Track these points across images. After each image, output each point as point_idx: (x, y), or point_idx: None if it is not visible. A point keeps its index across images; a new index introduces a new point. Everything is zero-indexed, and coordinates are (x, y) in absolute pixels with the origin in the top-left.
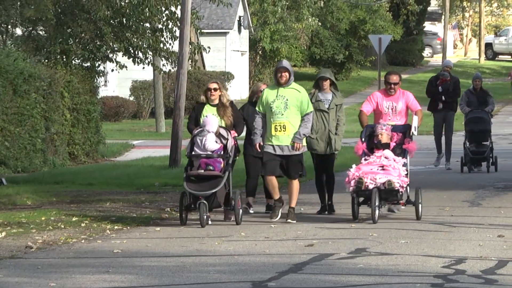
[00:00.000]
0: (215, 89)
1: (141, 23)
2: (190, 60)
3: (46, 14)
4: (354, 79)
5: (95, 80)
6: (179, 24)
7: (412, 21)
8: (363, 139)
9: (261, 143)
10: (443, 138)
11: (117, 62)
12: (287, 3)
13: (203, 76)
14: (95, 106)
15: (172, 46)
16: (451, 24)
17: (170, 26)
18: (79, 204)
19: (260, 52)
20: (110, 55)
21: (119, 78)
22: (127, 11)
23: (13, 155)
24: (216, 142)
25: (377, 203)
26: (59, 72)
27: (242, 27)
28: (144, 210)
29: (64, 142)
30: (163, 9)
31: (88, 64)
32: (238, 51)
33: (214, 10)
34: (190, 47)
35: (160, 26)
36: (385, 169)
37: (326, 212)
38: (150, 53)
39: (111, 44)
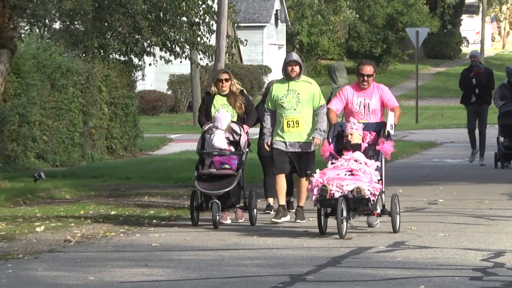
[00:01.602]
0: (226, 80)
1: (178, 17)
2: (227, 54)
3: (85, 6)
4: (391, 73)
5: (133, 74)
6: (216, 18)
7: (449, 14)
8: (330, 140)
9: (269, 143)
10: (477, 132)
11: (161, 57)
12: None
13: (240, 69)
14: (132, 100)
15: (209, 40)
16: (489, 16)
17: (207, 20)
18: (117, 198)
19: (297, 45)
20: (148, 49)
21: (157, 72)
22: (164, 5)
23: (52, 149)
24: (228, 138)
25: (344, 214)
26: (97, 66)
27: (279, 21)
28: (182, 203)
29: (102, 136)
30: (200, 2)
31: (126, 58)
32: (275, 44)
33: (251, 4)
34: (227, 40)
35: (197, 20)
36: (354, 174)
37: None
38: (187, 47)
39: (148, 38)
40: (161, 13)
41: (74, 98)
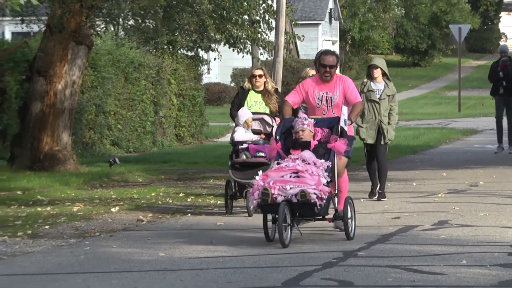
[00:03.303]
0: (260, 76)
1: (241, 16)
2: (285, 49)
3: (159, 2)
4: (436, 66)
5: (199, 68)
6: (275, 16)
7: (491, 11)
8: (277, 137)
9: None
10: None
11: (240, 49)
12: None
13: (297, 63)
14: (199, 92)
15: (268, 36)
16: None
17: (266, 18)
18: (185, 181)
19: (349, 41)
20: (213, 45)
21: (221, 66)
22: (228, 4)
23: (125, 137)
24: (261, 129)
25: (288, 221)
26: (166, 61)
27: (332, 19)
28: None
29: (172, 125)
30: (261, 2)
31: (193, 53)
32: (329, 40)
33: (307, 3)
34: (285, 37)
35: (257, 18)
36: (300, 176)
37: (375, 197)
38: (249, 43)
39: (213, 35)
40: (224, 12)
41: (145, 90)
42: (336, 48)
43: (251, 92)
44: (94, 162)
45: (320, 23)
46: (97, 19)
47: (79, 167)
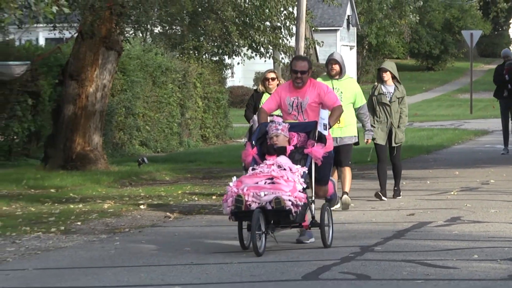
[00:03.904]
0: (272, 79)
1: (263, 22)
2: (305, 54)
3: (187, 8)
4: (449, 70)
5: (223, 72)
6: (295, 22)
7: (502, 18)
8: (253, 142)
9: None
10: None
11: (262, 54)
12: (392, 2)
13: (316, 67)
14: (223, 95)
15: (289, 42)
16: None
17: (287, 24)
18: (210, 179)
19: (366, 46)
20: (236, 50)
21: (244, 70)
22: (250, 11)
23: (153, 138)
24: None
25: (262, 229)
26: (192, 65)
27: (350, 25)
28: None
29: (197, 126)
30: (282, 9)
31: (217, 58)
32: (347, 45)
33: (326, 10)
34: (305, 42)
35: (279, 24)
36: (275, 182)
37: (384, 198)
38: (271, 48)
39: (236, 40)
40: (247, 19)
41: (172, 93)
42: (353, 53)
43: (265, 95)
44: (124, 162)
45: (338, 29)
46: (126, 25)
47: (109, 167)
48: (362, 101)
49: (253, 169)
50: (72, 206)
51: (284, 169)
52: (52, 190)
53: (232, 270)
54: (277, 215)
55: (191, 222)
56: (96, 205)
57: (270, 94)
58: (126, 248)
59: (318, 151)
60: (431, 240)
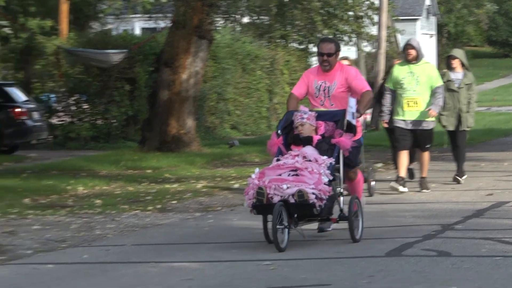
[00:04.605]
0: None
1: (346, 12)
2: (387, 42)
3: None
4: None
5: (309, 59)
6: (377, 12)
7: None
8: (279, 132)
9: (386, 120)
10: None
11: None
12: None
13: (398, 55)
14: None
15: (371, 31)
16: None
17: (369, 14)
18: None
19: (445, 35)
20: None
21: None
22: (334, 2)
23: (243, 122)
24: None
25: (285, 223)
26: (279, 53)
27: (430, 14)
28: None
29: (284, 111)
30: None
31: (303, 46)
32: (427, 34)
33: (406, 0)
34: (387, 31)
35: (361, 14)
36: (298, 174)
37: (462, 181)
38: (354, 36)
39: (321, 29)
40: (331, 9)
41: (261, 79)
42: (433, 41)
43: None
44: (216, 144)
45: (418, 19)
46: (216, 16)
47: (202, 149)
48: (438, 82)
49: (277, 160)
50: (167, 186)
51: (310, 160)
52: (149, 171)
53: (318, 247)
54: (300, 208)
55: None
56: (190, 185)
57: None
58: (219, 226)
59: (346, 141)
60: (509, 219)
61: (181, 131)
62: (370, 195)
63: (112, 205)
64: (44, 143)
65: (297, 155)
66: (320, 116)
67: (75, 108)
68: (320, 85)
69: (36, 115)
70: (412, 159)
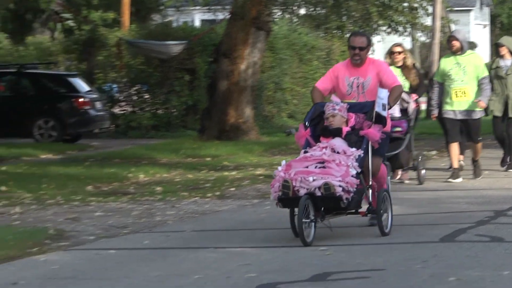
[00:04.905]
0: (399, 52)
1: (401, 3)
2: (441, 32)
3: None
4: None
5: None
6: (431, 3)
7: None
8: (307, 123)
9: (436, 114)
10: None
11: (401, 33)
12: None
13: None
14: None
15: (426, 21)
16: None
17: (424, 5)
18: None
19: (499, 25)
20: (377, 29)
21: (384, 48)
22: None
23: (300, 111)
24: (403, 105)
25: (311, 216)
26: (335, 44)
27: (483, 5)
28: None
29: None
30: None
31: None
32: (480, 24)
33: None
34: (441, 21)
35: (416, 5)
36: (326, 166)
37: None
38: (409, 27)
39: (376, 20)
40: (387, 0)
41: (317, 69)
42: (486, 32)
43: (392, 68)
44: (273, 133)
45: (472, 9)
46: (274, 7)
47: (260, 137)
48: (484, 73)
49: (305, 152)
50: (226, 173)
51: (338, 153)
52: (208, 159)
53: (371, 232)
54: (327, 201)
55: None
56: (248, 172)
57: (396, 67)
58: (276, 212)
59: (374, 133)
60: None
61: (240, 120)
62: (420, 183)
63: (172, 192)
64: (106, 132)
65: (325, 147)
66: (351, 107)
67: (137, 98)
68: (353, 82)
69: (98, 105)
70: (461, 152)
